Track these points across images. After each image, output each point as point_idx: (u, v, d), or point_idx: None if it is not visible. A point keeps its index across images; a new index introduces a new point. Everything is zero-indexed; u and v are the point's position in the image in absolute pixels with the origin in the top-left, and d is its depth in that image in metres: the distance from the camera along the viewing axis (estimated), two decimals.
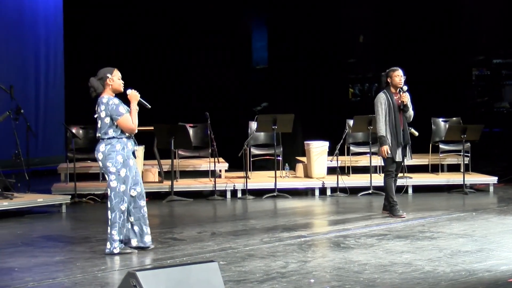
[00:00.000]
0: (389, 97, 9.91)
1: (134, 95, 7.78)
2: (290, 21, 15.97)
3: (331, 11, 15.99)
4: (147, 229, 7.89)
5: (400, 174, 12.54)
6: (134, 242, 7.84)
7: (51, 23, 15.99)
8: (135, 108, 7.72)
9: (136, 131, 7.78)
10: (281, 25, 16.17)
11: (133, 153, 7.80)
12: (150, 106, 7.88)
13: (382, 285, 6.36)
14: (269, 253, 7.76)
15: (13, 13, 15.40)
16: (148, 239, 7.89)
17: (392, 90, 9.95)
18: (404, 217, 9.89)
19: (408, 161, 10.26)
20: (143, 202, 7.86)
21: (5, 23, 15.21)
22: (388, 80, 9.95)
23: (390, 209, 10.02)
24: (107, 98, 7.67)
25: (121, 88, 7.77)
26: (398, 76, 9.89)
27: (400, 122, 9.91)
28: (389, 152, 9.82)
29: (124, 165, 7.64)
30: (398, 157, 9.88)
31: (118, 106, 7.65)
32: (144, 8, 15.99)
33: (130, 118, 7.66)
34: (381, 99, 9.90)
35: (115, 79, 7.73)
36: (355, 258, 7.45)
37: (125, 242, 7.80)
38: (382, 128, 9.83)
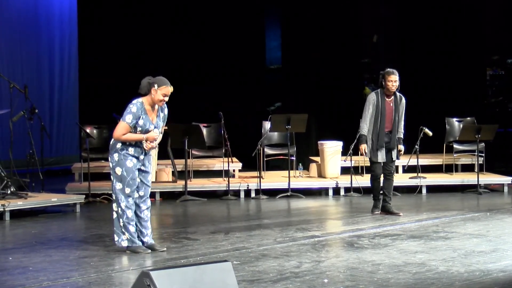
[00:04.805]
0: (379, 99, 9.92)
1: (151, 136, 7.69)
2: (303, 20, 15.94)
3: (345, 11, 15.96)
4: (146, 231, 7.87)
5: (413, 174, 12.60)
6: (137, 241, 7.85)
7: (65, 23, 16.03)
8: (140, 138, 7.63)
9: (118, 140, 7.67)
10: (295, 25, 16.15)
11: (142, 160, 7.75)
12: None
13: (396, 285, 6.35)
14: (283, 253, 7.76)
15: (28, 14, 15.43)
16: (147, 239, 7.87)
17: (385, 92, 9.93)
18: (377, 213, 10.10)
19: (396, 161, 10.24)
20: (144, 206, 7.84)
21: (20, 24, 15.24)
22: (383, 82, 9.92)
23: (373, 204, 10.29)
24: (134, 101, 7.68)
25: (160, 103, 7.72)
26: (391, 81, 9.84)
27: (389, 125, 9.90)
28: (366, 151, 9.94)
29: (118, 164, 7.66)
30: (375, 158, 9.98)
31: (128, 112, 7.62)
32: (158, 8, 16.01)
33: (124, 127, 7.58)
34: (371, 99, 9.95)
35: (159, 93, 7.62)
36: (368, 258, 7.44)
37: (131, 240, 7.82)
38: (364, 127, 9.97)
